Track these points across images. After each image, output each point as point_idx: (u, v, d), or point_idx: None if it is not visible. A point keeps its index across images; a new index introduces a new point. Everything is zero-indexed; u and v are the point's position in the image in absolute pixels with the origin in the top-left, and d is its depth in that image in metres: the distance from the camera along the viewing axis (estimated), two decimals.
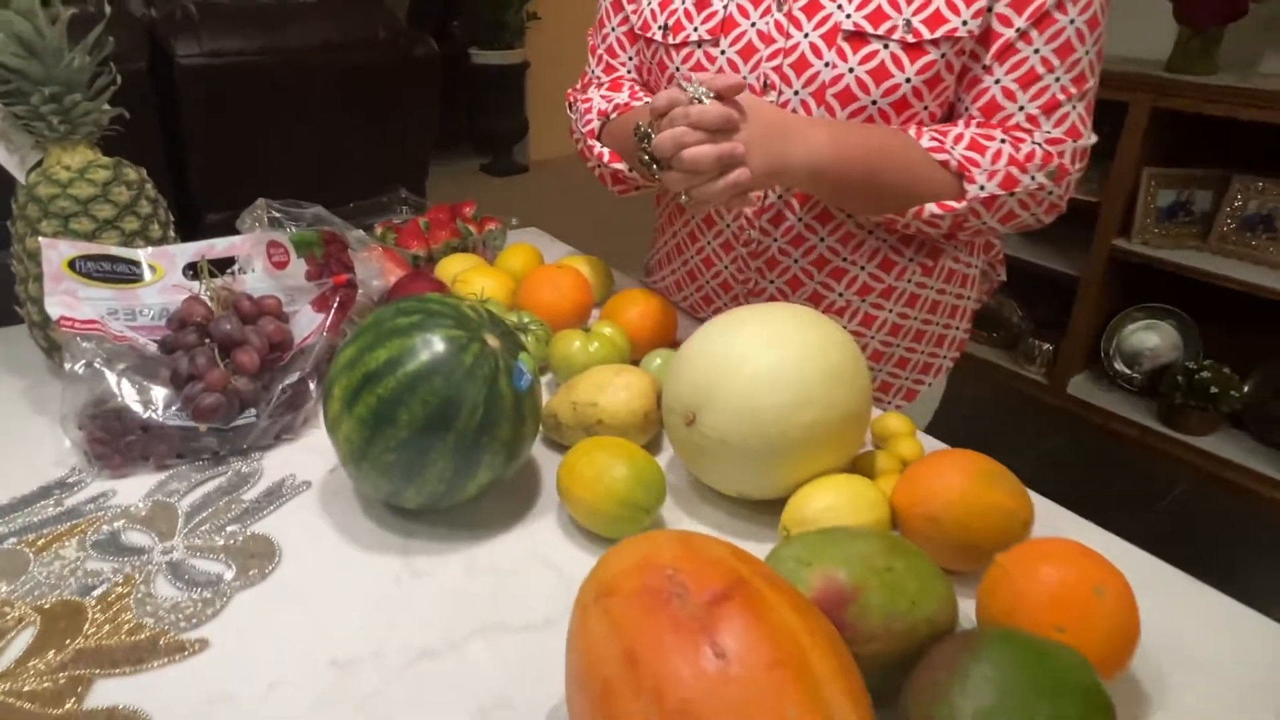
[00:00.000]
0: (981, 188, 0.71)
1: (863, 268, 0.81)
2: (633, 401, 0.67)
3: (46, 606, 0.52)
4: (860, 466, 0.64)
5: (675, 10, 0.79)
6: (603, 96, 0.88)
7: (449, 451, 0.55)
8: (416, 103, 2.47)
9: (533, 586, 0.56)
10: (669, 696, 0.34)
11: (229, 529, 0.60)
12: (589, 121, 0.88)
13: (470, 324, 0.57)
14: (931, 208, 0.73)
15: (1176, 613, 0.54)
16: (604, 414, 0.66)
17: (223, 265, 0.77)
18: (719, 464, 0.60)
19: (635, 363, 0.77)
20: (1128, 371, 2.30)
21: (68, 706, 0.46)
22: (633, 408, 0.67)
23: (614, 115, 0.85)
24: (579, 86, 0.94)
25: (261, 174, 2.10)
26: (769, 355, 0.57)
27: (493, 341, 0.57)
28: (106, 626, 0.51)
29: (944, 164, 0.72)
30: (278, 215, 0.89)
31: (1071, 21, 0.69)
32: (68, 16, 0.69)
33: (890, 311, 0.84)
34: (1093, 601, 0.46)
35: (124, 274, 0.72)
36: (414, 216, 1.09)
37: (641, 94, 0.87)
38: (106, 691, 0.47)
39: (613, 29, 0.89)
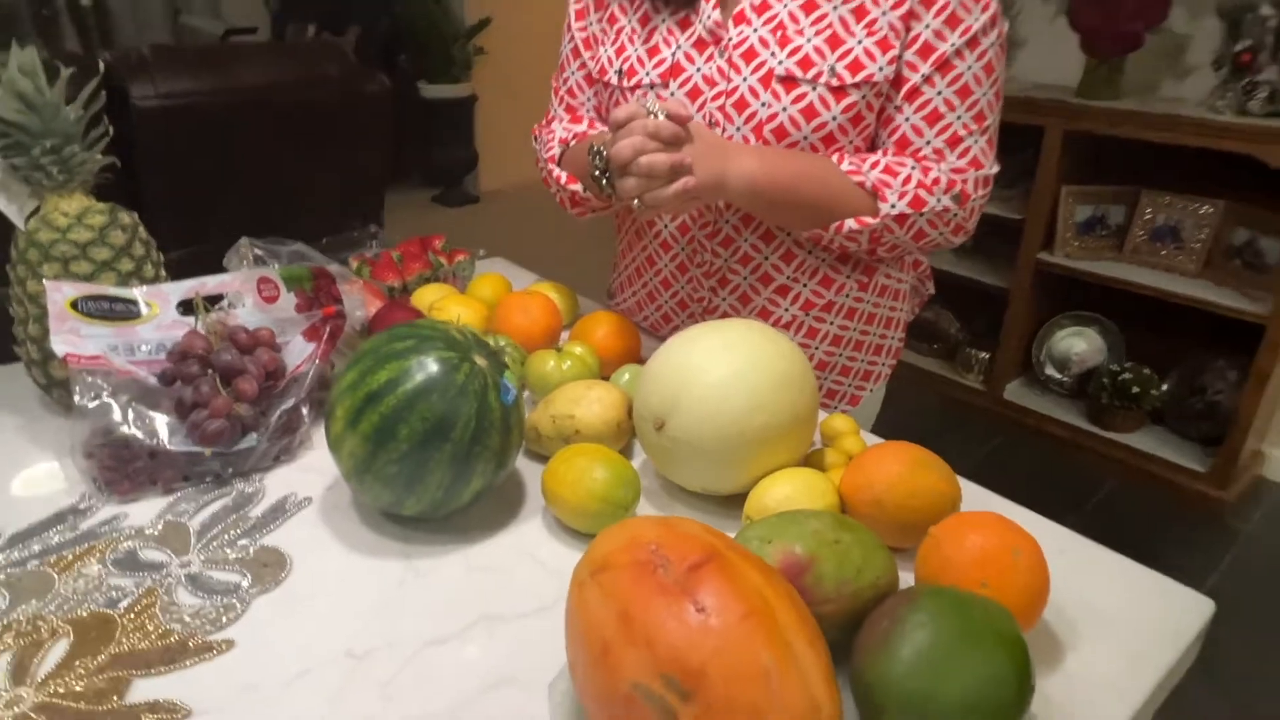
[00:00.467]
0: (893, 206, 0.81)
1: (805, 284, 0.90)
2: (606, 413, 0.74)
3: (77, 619, 0.57)
4: (811, 462, 0.71)
5: (629, 57, 0.88)
6: (564, 128, 0.96)
7: (446, 461, 0.61)
8: (371, 138, 2.52)
9: (524, 580, 0.62)
10: (660, 645, 0.41)
11: (240, 543, 0.65)
12: (551, 148, 0.96)
13: (460, 346, 0.64)
14: (850, 223, 0.82)
15: (1082, 572, 0.62)
16: (580, 425, 0.73)
17: (210, 301, 0.82)
18: (686, 464, 0.67)
19: (605, 378, 0.84)
20: (1058, 376, 2.45)
21: (113, 703, 0.50)
22: (606, 418, 0.74)
23: (574, 142, 0.93)
24: (543, 123, 1.02)
25: (218, 212, 2.12)
26: (726, 366, 0.65)
27: (481, 361, 0.64)
28: (136, 633, 0.56)
29: (860, 185, 0.81)
30: (260, 253, 0.94)
31: (969, 68, 0.79)
32: (68, 75, 0.74)
33: (832, 324, 0.93)
34: (1010, 562, 0.54)
35: (122, 312, 0.76)
36: (384, 250, 1.15)
37: (599, 125, 0.96)
38: (145, 689, 0.52)
39: (572, 73, 0.97)
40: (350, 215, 2.53)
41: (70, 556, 0.63)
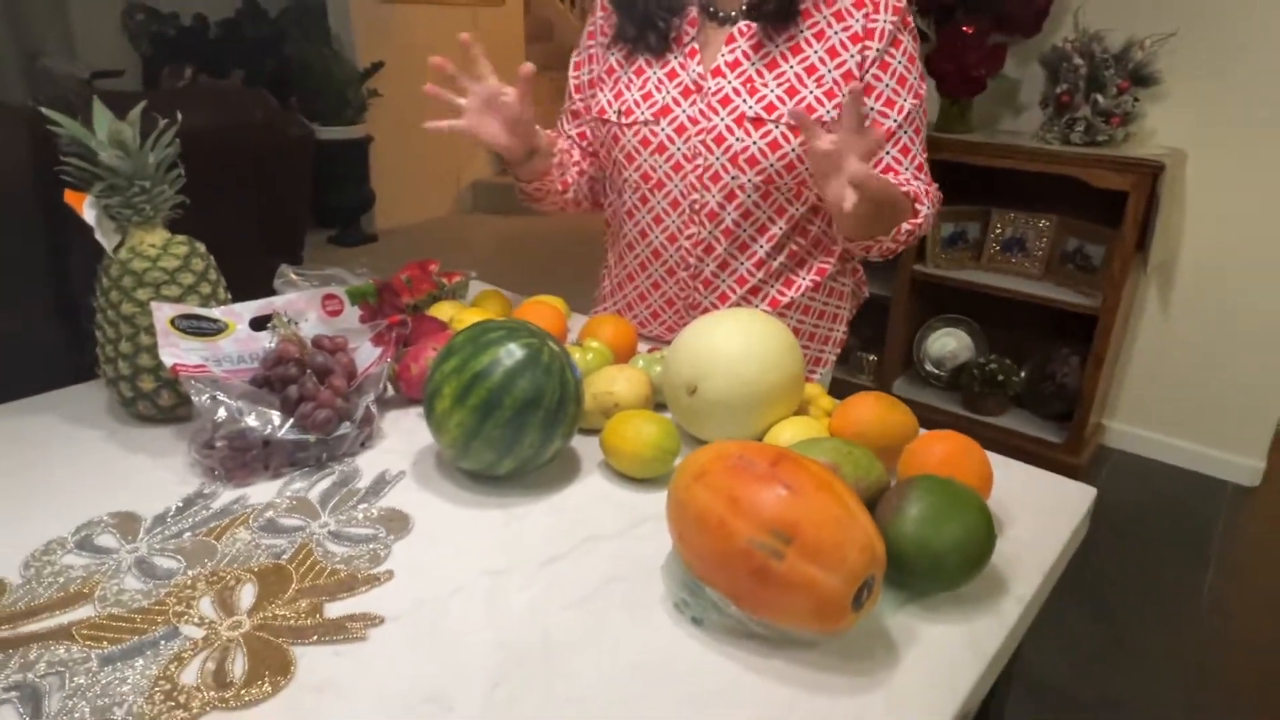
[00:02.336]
0: (928, 207, 1.04)
1: (772, 285, 1.11)
2: (636, 389, 0.92)
3: (255, 569, 0.69)
4: (799, 415, 0.92)
5: (626, 100, 1.07)
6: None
7: (539, 425, 0.77)
8: (292, 181, 2.58)
9: (601, 514, 0.78)
10: (764, 512, 0.59)
11: (360, 507, 0.78)
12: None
13: (538, 335, 0.80)
14: (906, 225, 1.03)
15: (1004, 471, 0.86)
16: (618, 399, 0.90)
17: (264, 320, 0.94)
18: (714, 420, 0.86)
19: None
20: (936, 371, 2.80)
21: (318, 618, 0.63)
22: (637, 392, 0.91)
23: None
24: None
25: None
26: (744, 339, 0.84)
27: (554, 346, 0.81)
28: (309, 574, 0.68)
29: (907, 193, 1.03)
30: (296, 277, 1.06)
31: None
32: (165, 126, 0.86)
33: (792, 318, 1.14)
34: (966, 460, 0.76)
35: (209, 329, 0.87)
36: (372, 277, 1.28)
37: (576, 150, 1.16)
38: (335, 610, 0.65)
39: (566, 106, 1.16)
40: (272, 255, 2.57)
41: (218, 528, 0.74)
